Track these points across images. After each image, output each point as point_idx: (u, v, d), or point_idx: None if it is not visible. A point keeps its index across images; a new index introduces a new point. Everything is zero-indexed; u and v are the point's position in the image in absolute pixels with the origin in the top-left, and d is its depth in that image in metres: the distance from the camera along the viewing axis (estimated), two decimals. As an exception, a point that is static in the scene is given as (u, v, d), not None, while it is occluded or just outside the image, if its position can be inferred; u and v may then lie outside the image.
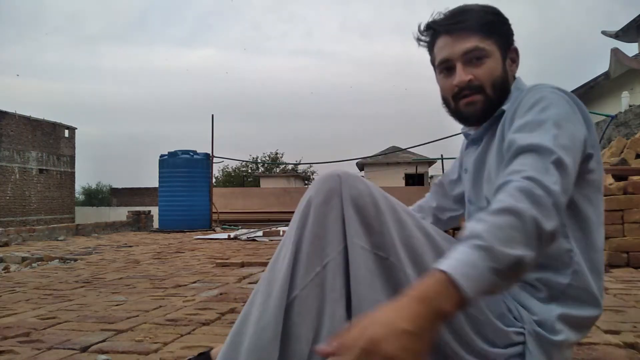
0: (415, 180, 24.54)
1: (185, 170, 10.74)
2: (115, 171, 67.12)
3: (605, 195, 3.83)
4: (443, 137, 12.60)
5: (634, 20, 15.34)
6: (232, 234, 8.08)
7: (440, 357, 0.93)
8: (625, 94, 12.78)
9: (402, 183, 24.00)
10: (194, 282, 3.39)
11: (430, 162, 23.70)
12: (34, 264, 5.47)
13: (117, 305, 2.61)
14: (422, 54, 1.19)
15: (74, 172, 28.94)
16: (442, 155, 16.05)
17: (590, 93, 15.60)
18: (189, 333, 1.99)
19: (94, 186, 37.10)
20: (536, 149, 0.86)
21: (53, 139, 27.22)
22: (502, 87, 1.08)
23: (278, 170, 32.41)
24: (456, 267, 0.73)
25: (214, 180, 12.76)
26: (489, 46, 1.07)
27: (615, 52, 13.55)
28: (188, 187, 10.64)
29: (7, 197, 24.03)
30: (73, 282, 3.54)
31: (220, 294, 2.89)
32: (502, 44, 1.10)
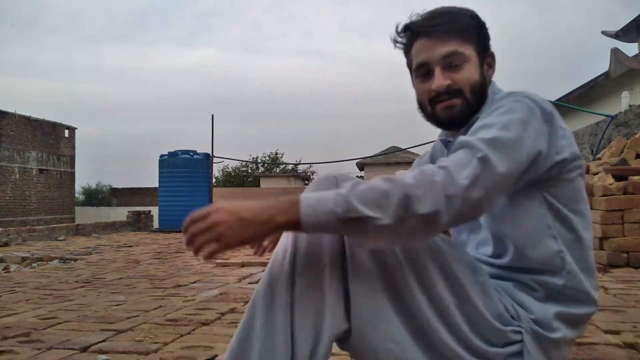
0: (415, 180, 24.41)
1: (185, 170, 10.74)
2: (115, 171, 67.00)
3: (605, 195, 3.84)
4: (443, 137, 12.54)
5: (634, 20, 15.35)
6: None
7: (440, 357, 0.93)
8: (625, 94, 12.76)
9: (402, 183, 23.86)
10: (194, 282, 3.39)
11: (430, 162, 23.63)
12: (34, 264, 5.47)
13: (117, 305, 2.61)
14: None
15: (74, 172, 28.93)
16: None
17: (590, 93, 15.59)
18: (189, 333, 1.98)
19: (94, 186, 37.07)
20: (468, 146, 0.88)
21: (53, 139, 27.22)
22: (480, 92, 1.07)
23: (278, 170, 32.40)
24: (310, 197, 0.83)
25: (214, 180, 12.76)
26: (467, 50, 1.05)
27: (615, 52, 13.55)
28: (188, 187, 10.63)
29: (7, 197, 24.02)
30: (73, 282, 3.54)
31: (220, 294, 2.89)
32: (480, 48, 1.08)
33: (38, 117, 26.11)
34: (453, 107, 1.05)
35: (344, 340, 0.96)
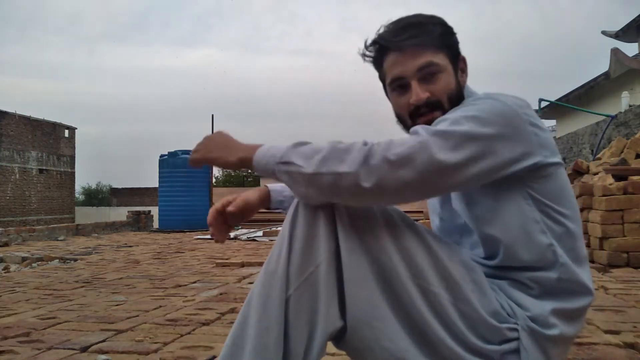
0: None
1: (185, 170, 10.73)
2: (115, 171, 67.10)
3: (605, 195, 3.84)
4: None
5: (634, 20, 15.34)
6: (232, 234, 8.08)
7: (437, 355, 0.93)
8: (625, 94, 12.77)
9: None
10: (194, 282, 3.39)
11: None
12: (34, 264, 5.47)
13: (117, 305, 2.61)
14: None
15: (74, 172, 28.94)
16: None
17: (590, 93, 15.59)
18: (189, 333, 1.99)
19: (94, 186, 37.08)
20: (415, 132, 0.92)
21: (53, 139, 27.22)
22: (457, 99, 1.06)
23: (278, 170, 32.33)
24: (266, 146, 0.95)
25: (213, 180, 12.76)
26: (441, 60, 1.04)
27: (615, 52, 13.55)
28: (188, 187, 10.63)
29: (7, 197, 24.03)
30: (73, 282, 3.54)
31: (220, 294, 2.89)
32: (452, 55, 1.08)
33: (38, 117, 26.11)
34: (433, 121, 1.02)
35: (340, 339, 0.97)
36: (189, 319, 2.21)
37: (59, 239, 8.28)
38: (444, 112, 1.03)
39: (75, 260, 5.23)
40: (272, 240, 7.20)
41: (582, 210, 4.28)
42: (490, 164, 0.92)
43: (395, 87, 1.08)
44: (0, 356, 1.71)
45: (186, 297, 2.81)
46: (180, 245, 6.74)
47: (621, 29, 16.06)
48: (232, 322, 0.97)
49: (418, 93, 1.04)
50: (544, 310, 0.97)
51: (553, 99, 13.24)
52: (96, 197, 36.13)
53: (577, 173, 5.53)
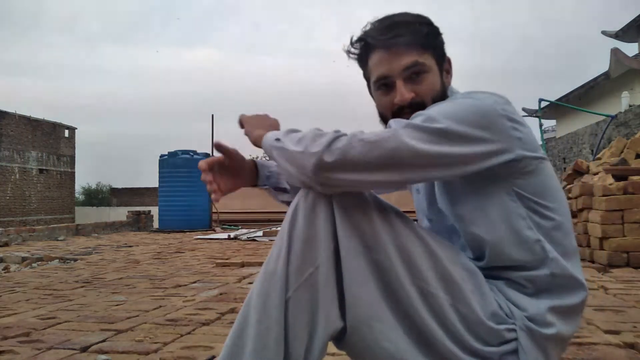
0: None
1: (185, 170, 10.72)
2: (115, 171, 67.13)
3: (605, 195, 3.84)
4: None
5: (634, 20, 15.35)
6: (232, 234, 8.08)
7: (436, 356, 0.93)
8: (625, 94, 12.78)
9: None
10: (194, 282, 3.39)
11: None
12: (34, 264, 5.47)
13: (117, 305, 2.61)
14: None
15: (74, 172, 28.93)
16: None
17: (590, 93, 15.59)
18: (189, 333, 1.99)
19: (94, 186, 37.05)
20: (388, 126, 0.95)
21: (53, 139, 27.21)
22: (442, 100, 1.05)
23: (278, 170, 32.35)
24: (274, 132, 1.04)
25: (214, 180, 12.72)
26: (427, 60, 1.04)
27: (615, 52, 13.55)
28: (188, 187, 10.62)
29: (7, 197, 24.02)
30: (73, 282, 3.54)
31: (220, 294, 2.89)
32: (438, 56, 1.07)
33: (38, 117, 26.10)
34: None
35: (340, 339, 0.97)
36: (189, 319, 2.21)
37: (59, 239, 8.28)
38: None
39: (75, 260, 5.23)
40: (272, 240, 7.20)
41: (582, 210, 4.28)
42: (462, 159, 0.92)
43: (379, 85, 1.08)
44: (0, 356, 1.71)
45: (186, 297, 2.82)
46: (180, 245, 6.74)
47: (621, 29, 16.06)
48: (232, 322, 0.97)
49: (403, 93, 1.04)
50: (541, 309, 0.97)
51: (553, 99, 13.23)
52: (96, 197, 36.10)
53: (577, 173, 5.53)
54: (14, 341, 1.90)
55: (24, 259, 5.79)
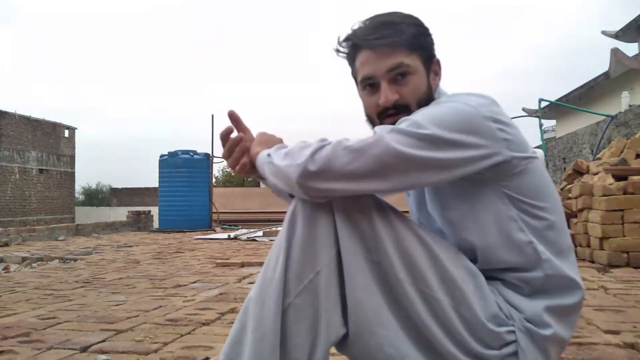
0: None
1: (185, 170, 10.73)
2: (115, 171, 67.11)
3: (605, 195, 3.84)
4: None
5: (634, 20, 15.34)
6: (232, 234, 8.08)
7: (438, 359, 0.93)
8: (625, 94, 12.77)
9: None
10: (194, 282, 3.39)
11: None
12: (34, 264, 5.47)
13: (117, 305, 2.61)
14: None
15: (74, 172, 28.94)
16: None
17: (590, 93, 15.59)
18: (189, 333, 1.99)
19: (94, 186, 37.06)
20: (374, 131, 0.94)
21: (53, 139, 27.21)
22: (427, 102, 1.04)
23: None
24: (268, 150, 1.01)
25: (214, 180, 12.75)
26: (413, 62, 1.03)
27: (615, 52, 13.54)
28: (188, 187, 10.63)
29: (7, 197, 24.02)
30: (73, 282, 3.54)
31: (220, 294, 2.89)
32: (426, 57, 1.06)
33: (38, 117, 26.10)
34: None
35: (341, 343, 0.96)
36: (189, 319, 2.21)
37: (59, 239, 8.28)
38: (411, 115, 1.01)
39: (75, 260, 5.23)
40: (271, 240, 7.20)
41: (582, 210, 4.28)
42: (449, 165, 0.91)
43: (365, 85, 1.07)
44: (0, 356, 1.71)
45: (186, 297, 2.81)
46: (180, 245, 6.74)
47: (621, 29, 16.05)
48: (232, 322, 0.97)
49: (387, 95, 1.03)
50: (537, 309, 0.96)
51: (553, 99, 13.23)
52: (96, 197, 36.11)
53: (577, 173, 5.53)
54: (14, 341, 1.90)
55: (24, 259, 5.79)
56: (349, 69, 1.13)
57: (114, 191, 35.01)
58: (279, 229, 8.09)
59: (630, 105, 11.71)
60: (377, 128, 0.93)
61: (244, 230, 9.07)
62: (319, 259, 0.92)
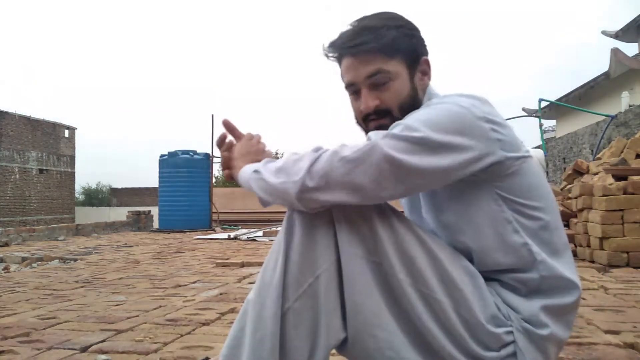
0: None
1: (185, 170, 10.74)
2: (115, 171, 67.11)
3: (605, 195, 3.84)
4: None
5: (634, 20, 15.35)
6: (232, 234, 8.08)
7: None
8: (625, 94, 12.77)
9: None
10: (194, 282, 3.39)
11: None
12: (34, 264, 5.47)
13: (117, 305, 2.61)
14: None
15: (74, 172, 28.93)
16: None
17: (590, 93, 15.59)
18: (189, 333, 1.99)
19: (94, 186, 37.05)
20: (367, 138, 0.92)
21: (53, 139, 27.21)
22: (411, 106, 1.03)
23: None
24: (254, 166, 1.01)
25: (214, 180, 12.75)
26: (393, 67, 1.02)
27: (615, 52, 13.54)
28: (188, 187, 10.63)
29: (7, 197, 24.02)
30: (73, 282, 3.54)
31: (220, 294, 2.89)
32: (409, 60, 1.04)
33: (38, 117, 26.10)
34: (383, 127, 1.00)
35: (341, 345, 0.96)
36: (189, 319, 2.21)
37: (59, 239, 8.28)
38: (393, 119, 1.01)
39: (75, 260, 5.23)
40: (271, 240, 7.20)
41: (582, 210, 4.28)
42: (443, 167, 0.90)
43: (350, 91, 1.08)
44: (0, 356, 1.71)
45: (186, 297, 2.81)
46: (180, 245, 6.74)
47: (621, 29, 16.06)
48: (232, 322, 0.97)
49: (367, 101, 1.04)
50: (534, 309, 0.96)
51: (553, 99, 13.23)
52: (96, 197, 36.11)
53: (577, 173, 5.53)
54: (14, 341, 1.90)
55: (24, 259, 5.79)
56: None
57: (114, 191, 35.01)
58: (278, 228, 8.08)
59: (630, 105, 11.70)
60: (372, 134, 0.92)
61: (244, 230, 9.07)
62: (318, 263, 0.92)
